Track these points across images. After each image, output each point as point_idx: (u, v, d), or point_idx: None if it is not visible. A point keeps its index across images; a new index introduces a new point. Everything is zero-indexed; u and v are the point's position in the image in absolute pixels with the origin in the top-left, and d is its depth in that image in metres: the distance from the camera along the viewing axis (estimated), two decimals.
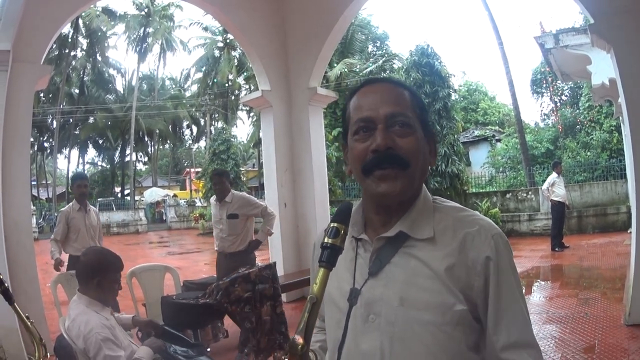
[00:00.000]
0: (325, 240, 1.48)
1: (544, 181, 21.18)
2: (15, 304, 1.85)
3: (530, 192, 25.36)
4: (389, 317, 1.73)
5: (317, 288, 1.42)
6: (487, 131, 44.44)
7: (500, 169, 35.55)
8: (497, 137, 42.68)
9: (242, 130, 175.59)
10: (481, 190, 29.48)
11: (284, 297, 7.35)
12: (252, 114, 61.86)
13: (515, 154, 35.00)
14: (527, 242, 21.28)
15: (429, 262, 1.75)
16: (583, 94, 33.83)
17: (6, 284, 1.87)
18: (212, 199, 9.27)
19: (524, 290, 11.93)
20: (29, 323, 1.85)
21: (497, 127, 47.85)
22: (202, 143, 77.37)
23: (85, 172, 73.01)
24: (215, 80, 62.39)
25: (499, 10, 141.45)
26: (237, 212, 8.87)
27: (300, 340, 1.36)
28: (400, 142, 1.79)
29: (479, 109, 54.71)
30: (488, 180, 33.44)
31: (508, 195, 26.02)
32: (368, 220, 1.93)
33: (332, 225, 1.50)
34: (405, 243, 1.81)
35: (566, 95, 41.42)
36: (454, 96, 30.68)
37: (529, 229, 23.62)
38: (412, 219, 1.84)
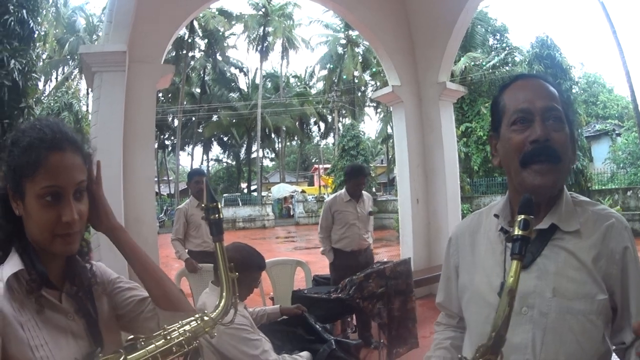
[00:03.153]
0: (516, 232, 1.49)
1: None
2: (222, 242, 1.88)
3: None
4: (542, 309, 1.82)
5: (512, 280, 1.44)
6: (608, 125, 43.01)
7: (621, 165, 34.37)
8: (617, 132, 41.34)
9: (369, 126, 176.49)
10: (603, 187, 28.58)
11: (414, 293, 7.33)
12: (379, 110, 62.06)
13: (634, 149, 33.87)
14: None
15: (578, 253, 1.85)
16: None
17: (222, 215, 1.91)
18: (338, 195, 8.91)
19: None
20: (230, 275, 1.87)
21: (616, 121, 46.46)
22: (330, 139, 76.89)
23: (210, 168, 74.58)
24: (344, 77, 62.02)
25: None
26: (371, 210, 8.89)
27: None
28: (554, 135, 1.88)
29: (598, 102, 53.41)
30: (609, 177, 32.44)
31: (629, 193, 25.17)
32: (515, 214, 1.87)
33: (521, 217, 1.50)
34: (553, 235, 1.90)
35: None
36: (575, 89, 29.92)
37: None
38: (560, 212, 1.93)
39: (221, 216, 1.88)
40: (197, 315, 1.74)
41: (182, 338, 1.64)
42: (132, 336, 1.61)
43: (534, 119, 1.88)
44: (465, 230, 2.28)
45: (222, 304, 1.79)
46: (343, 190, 8.85)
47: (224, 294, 1.82)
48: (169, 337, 1.61)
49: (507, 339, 1.67)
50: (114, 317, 1.99)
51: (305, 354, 4.36)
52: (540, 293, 1.83)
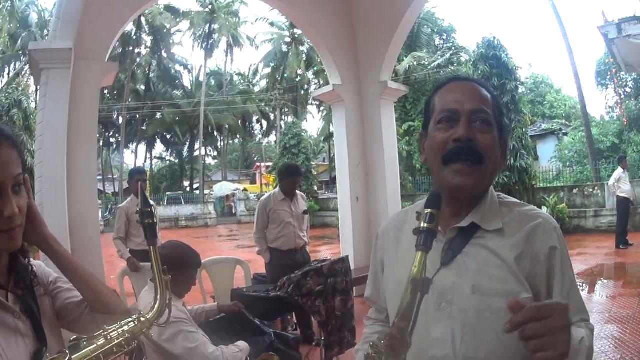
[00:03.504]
0: (422, 225, 1.52)
1: (609, 176, 20.64)
2: (156, 245, 1.94)
3: (596, 188, 24.45)
4: (461, 305, 1.86)
5: (417, 270, 1.46)
6: (554, 125, 43.80)
7: (567, 164, 34.80)
8: (564, 131, 42.09)
9: (312, 124, 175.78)
10: (549, 185, 28.73)
11: (354, 291, 7.31)
12: (322, 108, 61.45)
13: (581, 148, 34.38)
14: (593, 238, 20.66)
15: (499, 252, 1.88)
16: None
17: (155, 220, 1.91)
18: (272, 194, 8.95)
19: (587, 289, 11.65)
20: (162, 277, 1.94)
21: (563, 121, 47.10)
22: (272, 137, 76.58)
23: (153, 166, 73.96)
24: (285, 75, 61.90)
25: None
26: (306, 209, 8.96)
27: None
28: (479, 137, 1.92)
29: (545, 102, 53.81)
30: (555, 175, 32.74)
31: (575, 191, 25.14)
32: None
33: (427, 211, 1.53)
34: (475, 234, 1.95)
35: (630, 87, 40.17)
36: (521, 89, 30.03)
37: (594, 225, 22.93)
38: (482, 212, 1.97)
39: (155, 221, 1.96)
40: (134, 317, 1.79)
41: (121, 339, 1.70)
42: (75, 336, 1.66)
43: (460, 119, 1.93)
44: (392, 227, 2.34)
45: (157, 306, 1.86)
46: (277, 189, 8.87)
47: (158, 296, 1.90)
48: (109, 337, 1.67)
49: (427, 333, 1.87)
50: (55, 317, 2.00)
51: (241, 343, 4.37)
52: (459, 290, 1.87)
